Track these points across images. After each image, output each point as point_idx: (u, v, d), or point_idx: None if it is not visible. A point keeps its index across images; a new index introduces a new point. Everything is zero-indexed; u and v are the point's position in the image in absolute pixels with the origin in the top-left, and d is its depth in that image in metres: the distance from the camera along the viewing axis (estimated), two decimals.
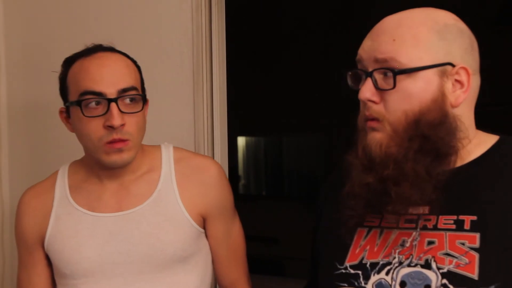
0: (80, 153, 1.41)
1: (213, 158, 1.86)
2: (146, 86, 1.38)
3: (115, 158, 1.29)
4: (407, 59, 0.99)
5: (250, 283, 1.52)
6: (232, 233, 1.46)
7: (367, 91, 1.02)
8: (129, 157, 1.30)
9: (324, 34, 4.84)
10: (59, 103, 1.37)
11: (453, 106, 1.01)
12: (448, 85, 1.00)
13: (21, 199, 1.43)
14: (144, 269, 1.32)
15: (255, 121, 5.28)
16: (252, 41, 4.87)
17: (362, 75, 1.04)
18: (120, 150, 1.28)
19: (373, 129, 1.03)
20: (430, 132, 0.98)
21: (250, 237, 1.55)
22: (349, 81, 1.08)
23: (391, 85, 0.99)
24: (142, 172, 1.38)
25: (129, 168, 1.35)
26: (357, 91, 1.05)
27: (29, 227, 1.38)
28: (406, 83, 0.99)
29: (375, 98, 1.02)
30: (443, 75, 1.00)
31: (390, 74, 1.00)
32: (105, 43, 1.36)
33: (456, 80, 1.01)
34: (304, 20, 4.83)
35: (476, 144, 1.04)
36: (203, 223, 1.40)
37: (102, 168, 1.35)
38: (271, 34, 4.96)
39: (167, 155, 1.41)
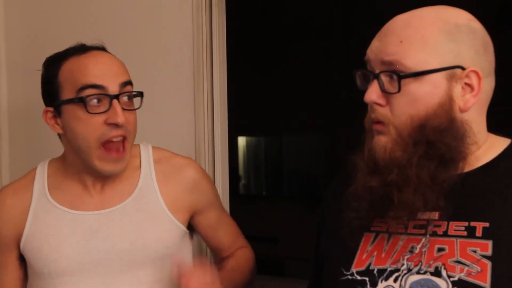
0: None
1: (213, 158, 1.85)
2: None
3: (110, 168, 1.29)
4: (414, 62, 0.96)
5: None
6: (223, 218, 1.51)
7: (372, 93, 1.00)
8: (124, 165, 1.31)
9: (325, 34, 4.82)
10: None
11: (462, 111, 0.97)
12: (457, 89, 0.97)
13: None
14: (124, 267, 1.30)
15: (255, 121, 5.26)
16: (253, 41, 4.86)
17: (370, 76, 1.02)
18: (116, 160, 1.28)
19: (379, 132, 1.01)
20: (435, 137, 0.95)
21: (250, 237, 1.56)
22: (358, 81, 1.05)
23: (397, 89, 0.97)
24: (123, 170, 1.37)
25: None
26: (359, 92, 1.03)
27: (4, 226, 1.35)
28: (412, 87, 0.96)
29: (381, 100, 1.00)
30: (451, 78, 0.96)
31: (395, 77, 0.97)
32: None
33: (466, 84, 0.97)
34: (305, 19, 4.82)
35: (487, 148, 1.02)
36: (188, 220, 1.41)
37: (88, 172, 1.33)
38: (272, 34, 4.94)
39: (146, 154, 1.41)
